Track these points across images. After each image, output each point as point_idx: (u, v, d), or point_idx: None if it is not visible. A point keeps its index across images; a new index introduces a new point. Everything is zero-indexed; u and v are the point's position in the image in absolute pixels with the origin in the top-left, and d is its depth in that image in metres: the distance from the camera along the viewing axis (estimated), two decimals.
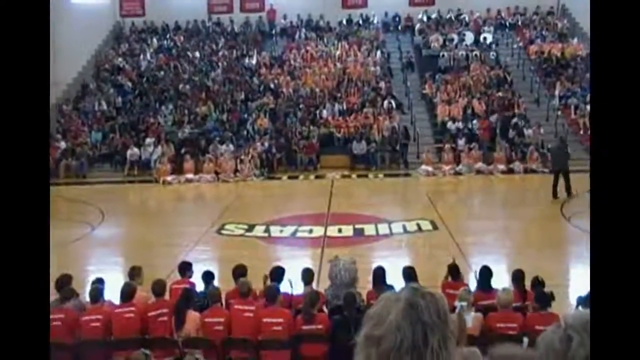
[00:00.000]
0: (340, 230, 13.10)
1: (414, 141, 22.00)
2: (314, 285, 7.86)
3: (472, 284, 7.58)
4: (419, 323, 1.53)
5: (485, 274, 7.41)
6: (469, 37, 27.24)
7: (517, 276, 7.30)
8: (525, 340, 5.85)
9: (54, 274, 7.04)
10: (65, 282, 7.09)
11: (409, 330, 1.52)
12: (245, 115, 23.63)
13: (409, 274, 7.28)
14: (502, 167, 20.14)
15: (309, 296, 6.62)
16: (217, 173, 20.60)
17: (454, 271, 7.68)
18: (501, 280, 7.82)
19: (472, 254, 11.10)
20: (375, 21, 29.23)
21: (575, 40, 26.40)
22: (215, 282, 7.74)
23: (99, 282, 7.43)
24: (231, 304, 6.86)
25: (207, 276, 7.66)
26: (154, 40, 29.01)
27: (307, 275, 7.54)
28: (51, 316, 6.29)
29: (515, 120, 21.81)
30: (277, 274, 7.49)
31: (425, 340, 1.52)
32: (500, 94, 23.37)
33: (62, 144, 22.12)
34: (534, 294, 6.80)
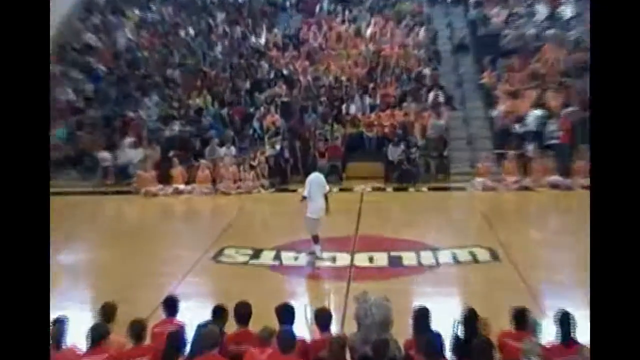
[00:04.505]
0: (371, 259, 13.10)
1: (467, 145, 21.89)
2: (336, 328, 7.81)
3: (546, 335, 7.45)
4: None
5: (564, 321, 7.28)
6: (541, 11, 27.10)
7: None
8: None
9: None
10: None
11: None
12: (252, 110, 23.74)
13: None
14: (582, 180, 19.91)
15: (332, 343, 6.56)
16: (214, 183, 20.67)
17: (519, 318, 7.55)
18: (585, 330, 7.66)
19: (545, 294, 10.99)
20: None
21: None
22: None
23: (60, 322, 7.43)
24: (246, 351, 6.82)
25: (217, 312, 7.60)
26: (135, 12, 29.36)
27: (324, 318, 7.45)
28: None
29: None
30: (287, 313, 7.44)
31: None
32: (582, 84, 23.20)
33: None
34: None
